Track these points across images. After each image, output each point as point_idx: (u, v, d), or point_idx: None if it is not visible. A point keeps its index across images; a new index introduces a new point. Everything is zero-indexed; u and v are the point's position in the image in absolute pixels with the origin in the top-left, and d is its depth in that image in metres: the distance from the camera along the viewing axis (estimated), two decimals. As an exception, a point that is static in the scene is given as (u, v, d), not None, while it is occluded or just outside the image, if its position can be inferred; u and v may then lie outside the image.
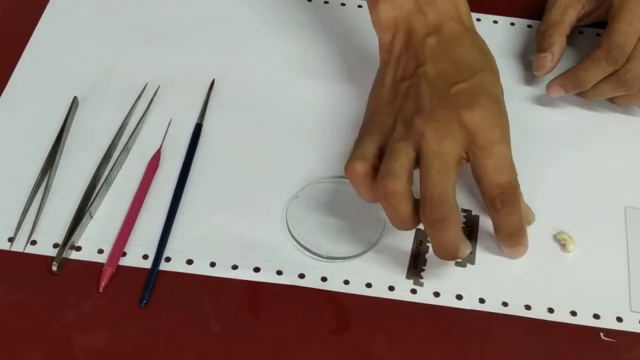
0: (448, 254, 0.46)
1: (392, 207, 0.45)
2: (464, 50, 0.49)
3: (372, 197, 0.46)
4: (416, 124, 0.46)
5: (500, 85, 0.49)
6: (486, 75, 0.48)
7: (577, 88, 0.55)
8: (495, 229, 0.48)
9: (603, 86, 0.54)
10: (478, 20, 0.63)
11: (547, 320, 0.47)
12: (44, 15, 0.62)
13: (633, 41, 0.53)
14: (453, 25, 0.50)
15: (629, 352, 0.46)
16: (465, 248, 0.46)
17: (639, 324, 0.47)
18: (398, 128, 0.47)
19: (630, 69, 0.53)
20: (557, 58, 0.57)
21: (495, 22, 0.63)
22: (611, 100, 0.56)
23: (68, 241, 0.48)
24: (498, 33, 0.62)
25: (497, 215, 0.47)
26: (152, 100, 0.56)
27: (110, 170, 0.52)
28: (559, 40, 0.57)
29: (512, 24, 0.63)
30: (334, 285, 0.48)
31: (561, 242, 0.50)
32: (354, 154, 0.47)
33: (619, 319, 0.47)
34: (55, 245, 0.49)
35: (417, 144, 0.45)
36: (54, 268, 0.47)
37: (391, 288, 0.48)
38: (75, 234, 0.49)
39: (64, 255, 0.48)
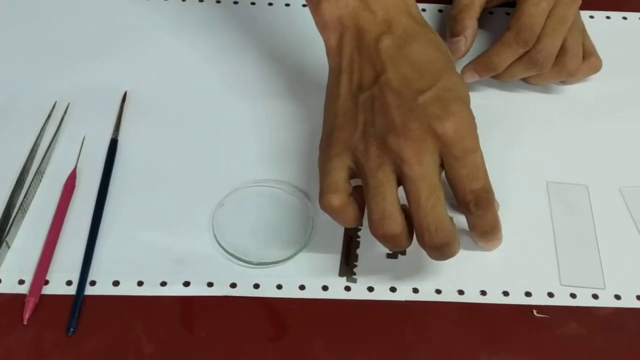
0: (444, 259, 0.46)
1: (393, 245, 0.45)
2: (421, 49, 0.47)
3: (355, 224, 0.46)
4: (391, 144, 0.44)
5: (465, 83, 0.48)
6: (450, 76, 0.47)
7: (490, 72, 0.55)
8: (470, 228, 0.48)
9: (516, 67, 0.55)
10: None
11: (480, 303, 0.47)
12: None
13: (541, 21, 0.53)
14: (404, 20, 0.48)
15: (563, 327, 0.47)
16: (458, 247, 0.46)
17: (570, 298, 0.48)
18: (371, 150, 0.45)
19: (541, 49, 0.54)
20: (470, 42, 0.57)
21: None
22: (525, 80, 0.57)
23: (-15, 274, 0.46)
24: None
25: (471, 217, 0.46)
26: (62, 118, 0.54)
27: (25, 196, 0.50)
28: (470, 24, 0.57)
29: (424, 9, 0.63)
30: (267, 291, 0.47)
31: None
32: (325, 185, 0.45)
33: (550, 295, 0.48)
34: (-28, 281, 0.47)
35: (395, 165, 0.44)
36: None
37: (325, 288, 0.48)
38: (-5, 264, 0.47)
39: (-17, 290, 0.46)
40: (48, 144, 0.53)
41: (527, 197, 0.52)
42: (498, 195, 0.52)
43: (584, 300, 0.48)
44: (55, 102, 0.55)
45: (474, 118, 0.46)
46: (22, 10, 0.61)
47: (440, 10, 0.63)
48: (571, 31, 0.55)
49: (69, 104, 0.55)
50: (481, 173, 0.45)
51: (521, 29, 0.53)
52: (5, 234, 0.48)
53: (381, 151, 0.45)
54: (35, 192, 0.51)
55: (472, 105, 0.56)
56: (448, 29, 0.58)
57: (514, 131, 0.56)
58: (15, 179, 0.51)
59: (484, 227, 0.47)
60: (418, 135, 0.44)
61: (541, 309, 0.47)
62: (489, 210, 0.46)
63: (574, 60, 0.55)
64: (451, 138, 0.44)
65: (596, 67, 0.57)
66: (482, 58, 0.55)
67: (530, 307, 0.47)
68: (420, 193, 0.44)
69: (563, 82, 0.58)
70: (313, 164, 0.53)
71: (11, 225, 0.48)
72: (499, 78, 0.56)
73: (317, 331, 0.46)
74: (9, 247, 0.48)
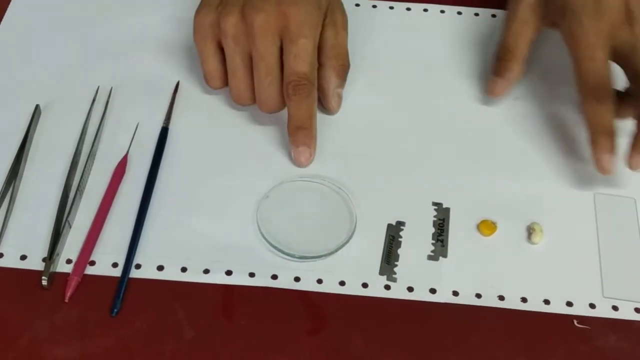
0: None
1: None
2: None
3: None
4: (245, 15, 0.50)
5: None
6: None
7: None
8: (287, 122, 0.52)
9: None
10: (442, 12, 0.63)
11: (520, 310, 0.47)
12: (2, 23, 0.61)
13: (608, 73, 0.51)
14: None
15: (603, 338, 0.46)
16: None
17: (612, 310, 0.47)
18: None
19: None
20: (509, 85, 0.55)
21: (459, 13, 0.63)
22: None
23: (53, 253, 0.47)
24: (463, 24, 0.62)
25: (289, 103, 0.51)
26: (116, 104, 0.55)
27: (81, 178, 0.51)
28: (514, 67, 0.54)
29: (459, 12, 0.63)
30: (307, 285, 0.48)
31: (529, 231, 0.50)
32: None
33: (592, 306, 0.48)
34: (23, 257, 0.48)
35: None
36: (44, 283, 0.46)
37: (365, 285, 0.48)
38: (59, 245, 0.48)
39: (51, 268, 0.47)
40: (102, 128, 0.54)
41: (574, 207, 0.52)
42: (546, 204, 0.52)
43: (626, 313, 0.47)
44: (111, 88, 0.56)
45: (319, 16, 0.52)
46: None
47: (493, 16, 0.63)
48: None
49: (111, 87, 0.56)
50: (308, 59, 0.51)
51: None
52: (67, 214, 0.49)
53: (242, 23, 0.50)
54: (89, 175, 0.52)
55: (523, 115, 0.56)
56: (492, 65, 0.56)
57: (563, 140, 0.56)
58: (70, 161, 0.52)
59: (297, 119, 0.51)
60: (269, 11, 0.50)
61: (582, 319, 0.47)
62: (304, 100, 0.51)
63: None
64: (293, 20, 0.50)
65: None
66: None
67: (571, 317, 0.47)
68: (261, 69, 0.51)
69: None
70: (358, 162, 0.53)
71: (72, 205, 0.49)
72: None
73: (355, 327, 0.46)
74: (70, 227, 0.49)
